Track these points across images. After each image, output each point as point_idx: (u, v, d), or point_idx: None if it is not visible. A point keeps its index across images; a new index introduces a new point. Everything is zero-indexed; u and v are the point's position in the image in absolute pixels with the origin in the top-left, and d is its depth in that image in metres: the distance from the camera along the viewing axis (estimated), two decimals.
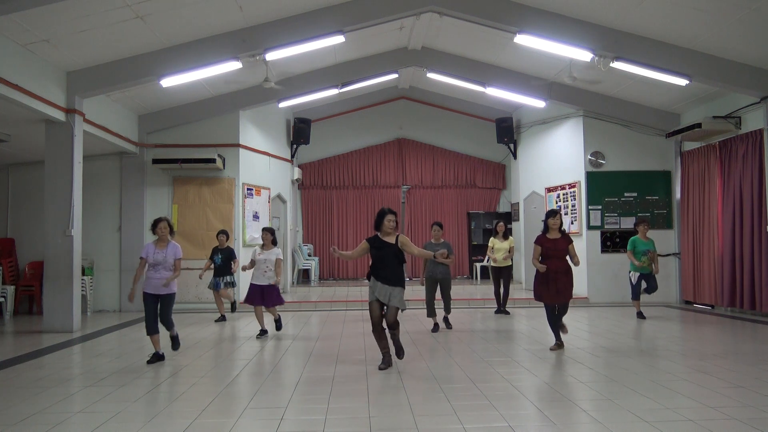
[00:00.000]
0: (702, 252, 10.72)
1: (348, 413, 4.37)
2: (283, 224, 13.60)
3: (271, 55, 8.86)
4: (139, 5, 7.27)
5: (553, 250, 6.68)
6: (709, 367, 5.81)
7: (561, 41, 8.73)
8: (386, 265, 5.83)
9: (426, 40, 10.97)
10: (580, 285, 11.69)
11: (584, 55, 8.94)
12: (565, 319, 9.49)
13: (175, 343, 6.66)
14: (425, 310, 8.60)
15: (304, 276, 14.53)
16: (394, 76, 12.41)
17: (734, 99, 9.79)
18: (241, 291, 10.04)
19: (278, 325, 8.19)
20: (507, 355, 6.52)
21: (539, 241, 6.78)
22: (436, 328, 8.36)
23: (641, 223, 9.65)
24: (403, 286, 5.88)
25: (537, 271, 6.74)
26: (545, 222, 6.81)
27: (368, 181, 15.58)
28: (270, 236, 8.03)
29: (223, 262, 9.51)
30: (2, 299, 10.30)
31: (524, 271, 13.67)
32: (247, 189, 11.72)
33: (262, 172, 12.35)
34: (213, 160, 10.88)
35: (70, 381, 5.56)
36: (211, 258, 9.60)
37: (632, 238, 9.63)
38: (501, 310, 10.12)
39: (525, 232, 13.78)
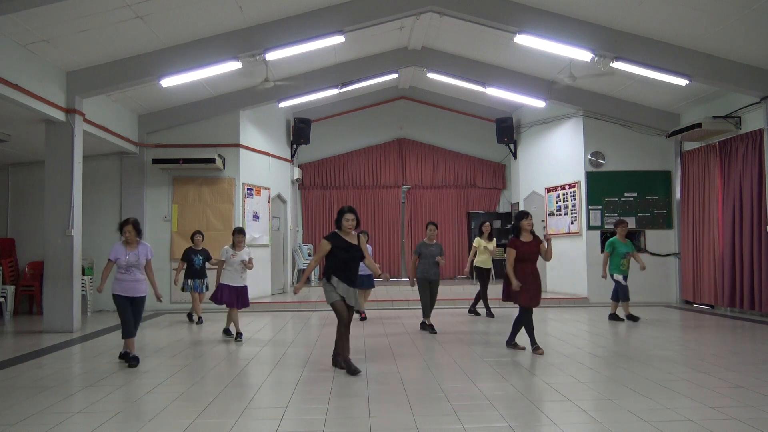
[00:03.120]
0: (702, 252, 10.73)
1: (348, 413, 4.37)
2: (283, 224, 13.60)
3: (271, 55, 8.86)
4: (139, 5, 7.27)
5: (529, 253, 6.57)
6: (709, 367, 5.81)
7: (561, 41, 8.73)
8: (352, 267, 5.80)
9: (426, 40, 10.97)
10: (580, 285, 11.73)
11: (584, 55, 8.94)
12: (566, 318, 9.52)
13: (133, 361, 6.16)
14: (420, 311, 8.57)
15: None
16: (394, 76, 12.41)
17: (734, 99, 9.79)
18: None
19: (239, 335, 7.85)
20: (507, 356, 6.52)
21: (514, 244, 6.58)
22: (432, 329, 8.27)
23: (620, 224, 9.24)
24: (360, 287, 5.89)
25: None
26: (517, 224, 6.64)
27: (368, 181, 15.58)
28: (244, 237, 7.92)
29: (203, 263, 9.23)
30: (2, 299, 10.30)
31: None
32: (247, 189, 11.72)
33: (262, 172, 12.35)
34: (213, 160, 10.88)
35: (70, 381, 5.55)
36: (185, 260, 9.23)
37: (611, 239, 9.22)
38: (473, 310, 10.00)
39: None
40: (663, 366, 5.89)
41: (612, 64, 8.90)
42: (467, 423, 4.07)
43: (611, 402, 4.59)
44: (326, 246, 5.77)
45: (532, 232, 6.72)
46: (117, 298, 6.16)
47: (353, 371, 5.56)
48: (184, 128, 11.41)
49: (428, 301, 8.35)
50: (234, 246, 7.84)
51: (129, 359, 6.17)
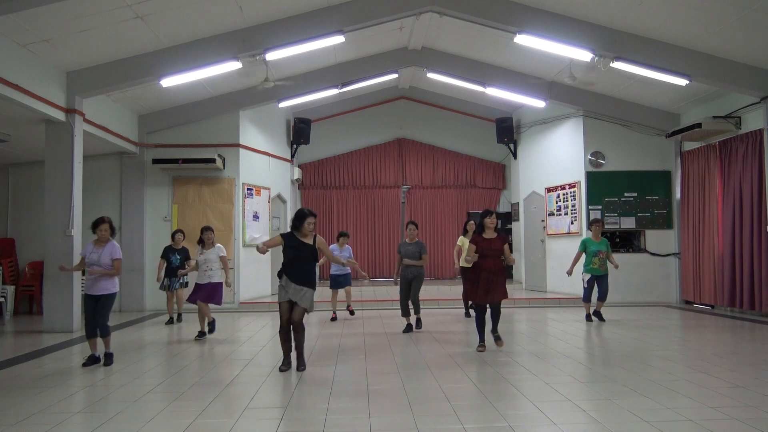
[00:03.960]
0: (702, 252, 10.72)
1: (348, 413, 4.37)
2: (283, 224, 13.60)
3: (271, 55, 8.86)
4: (139, 5, 7.27)
5: (489, 249, 6.68)
6: (709, 367, 5.81)
7: (561, 41, 8.73)
8: (301, 265, 5.79)
9: (426, 40, 10.97)
10: (580, 285, 11.70)
11: (584, 55, 8.94)
12: (566, 318, 9.52)
13: (108, 358, 6.20)
14: (423, 311, 8.56)
15: None
16: (394, 76, 12.41)
17: (734, 99, 9.79)
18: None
19: (211, 328, 7.88)
20: (507, 355, 6.52)
21: (474, 240, 6.80)
22: (408, 328, 8.25)
23: (594, 222, 9.19)
24: (314, 287, 5.87)
25: (467, 270, 6.77)
26: (481, 221, 6.80)
27: (368, 181, 15.58)
28: (212, 235, 7.94)
29: (180, 262, 9.21)
30: (2, 299, 10.30)
31: (524, 270, 13.68)
32: (247, 189, 11.72)
33: (262, 172, 12.35)
34: (213, 160, 10.88)
35: (70, 381, 5.55)
36: (164, 258, 9.27)
37: (584, 239, 9.23)
38: (470, 313, 9.78)
39: (525, 232, 13.79)
40: (663, 366, 5.89)
41: (612, 64, 8.90)
42: (467, 423, 4.07)
43: (611, 402, 4.59)
44: (277, 239, 5.96)
45: (498, 230, 6.86)
46: (83, 298, 6.19)
47: (281, 367, 5.78)
48: (184, 128, 11.41)
49: (405, 300, 8.32)
50: (202, 245, 7.90)
51: (90, 359, 6.14)
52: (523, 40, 8.76)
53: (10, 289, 10.46)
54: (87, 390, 5.17)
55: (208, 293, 7.80)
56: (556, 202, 12.44)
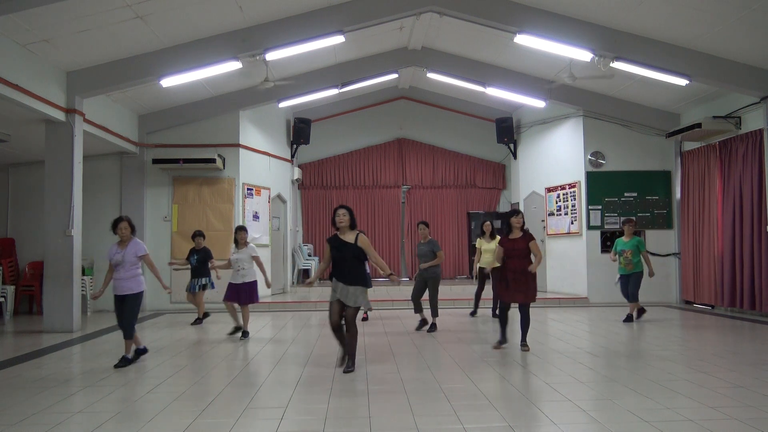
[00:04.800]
0: (702, 252, 10.72)
1: (348, 413, 4.37)
2: (283, 224, 13.60)
3: (271, 55, 8.86)
4: (139, 5, 7.27)
5: (512, 250, 6.72)
6: (709, 367, 5.81)
7: (561, 41, 8.73)
8: (345, 265, 5.75)
9: (426, 40, 10.97)
10: (580, 285, 11.73)
11: (584, 55, 8.94)
12: (566, 318, 9.51)
13: (137, 354, 6.31)
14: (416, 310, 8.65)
15: (304, 276, 14.51)
16: (394, 76, 12.41)
17: (734, 99, 9.79)
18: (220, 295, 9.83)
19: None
20: (507, 355, 6.52)
21: (501, 242, 6.87)
22: (421, 324, 8.39)
23: (626, 222, 9.24)
24: (363, 285, 5.79)
25: (500, 270, 6.87)
26: (507, 221, 6.83)
27: (368, 181, 15.58)
28: (245, 234, 8.04)
29: (198, 263, 9.15)
30: (2, 299, 10.30)
31: None
32: (247, 189, 11.72)
33: (262, 172, 12.35)
34: (213, 160, 10.89)
35: (70, 381, 5.55)
36: (188, 259, 9.28)
37: (617, 238, 9.38)
38: (494, 313, 9.74)
39: None
40: (663, 366, 5.89)
41: (612, 64, 8.89)
42: (467, 423, 4.07)
43: (611, 402, 4.59)
44: (327, 247, 5.92)
45: (524, 230, 6.83)
46: (114, 299, 6.21)
47: (344, 369, 5.70)
48: (184, 128, 11.41)
49: (418, 297, 8.46)
50: (236, 244, 8.00)
51: (121, 360, 6.15)
52: (523, 40, 8.75)
53: (10, 289, 10.46)
54: (87, 390, 5.17)
55: (249, 295, 7.92)
56: (556, 202, 12.45)
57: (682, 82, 9.06)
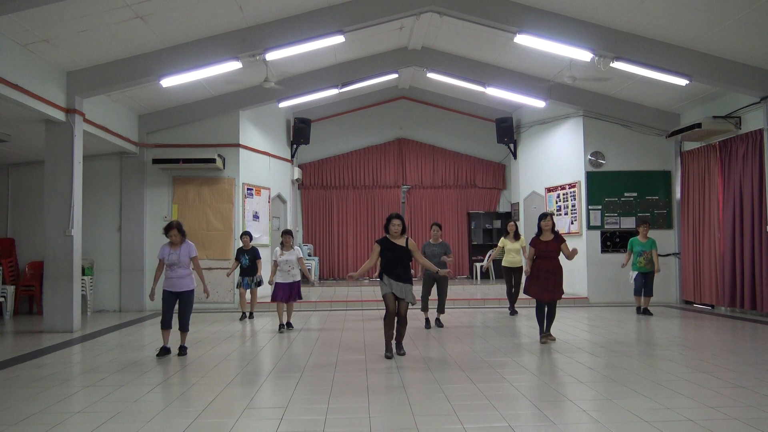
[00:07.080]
0: (702, 252, 10.72)
1: (348, 413, 4.37)
2: (283, 224, 13.60)
3: (271, 55, 8.86)
4: (139, 5, 7.27)
5: (545, 251, 7.18)
6: (709, 367, 5.81)
7: (561, 41, 8.73)
8: (399, 265, 6.39)
9: (426, 40, 10.96)
10: (580, 285, 11.73)
11: (584, 55, 8.94)
12: (566, 318, 9.52)
13: (182, 351, 6.81)
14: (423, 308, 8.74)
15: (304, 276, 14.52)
16: (394, 76, 12.41)
17: (734, 99, 9.79)
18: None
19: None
20: (507, 355, 6.52)
21: (533, 243, 7.31)
22: (427, 324, 8.58)
23: (641, 224, 10.00)
24: (412, 283, 6.46)
25: (530, 268, 7.29)
26: (538, 224, 7.31)
27: (368, 181, 15.58)
28: (291, 238, 8.55)
29: (250, 262, 9.58)
30: (2, 299, 10.30)
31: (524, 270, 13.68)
32: (247, 189, 11.72)
33: (262, 172, 12.35)
34: (213, 160, 10.88)
35: (70, 381, 5.55)
36: (237, 259, 9.68)
37: (631, 239, 10.00)
38: (514, 310, 10.10)
39: (525, 232, 13.77)
40: (663, 366, 5.89)
41: (612, 64, 8.90)
42: (467, 423, 4.07)
43: (611, 402, 4.59)
44: (376, 248, 6.51)
45: (555, 232, 7.24)
46: (163, 294, 6.65)
47: (386, 354, 6.36)
48: (184, 128, 11.40)
49: (427, 296, 8.68)
50: (282, 246, 8.47)
51: (162, 350, 6.64)
52: (523, 40, 8.75)
53: (10, 289, 10.45)
54: (87, 390, 5.17)
55: (298, 292, 8.58)
56: (556, 202, 12.45)
57: (682, 82, 9.06)
